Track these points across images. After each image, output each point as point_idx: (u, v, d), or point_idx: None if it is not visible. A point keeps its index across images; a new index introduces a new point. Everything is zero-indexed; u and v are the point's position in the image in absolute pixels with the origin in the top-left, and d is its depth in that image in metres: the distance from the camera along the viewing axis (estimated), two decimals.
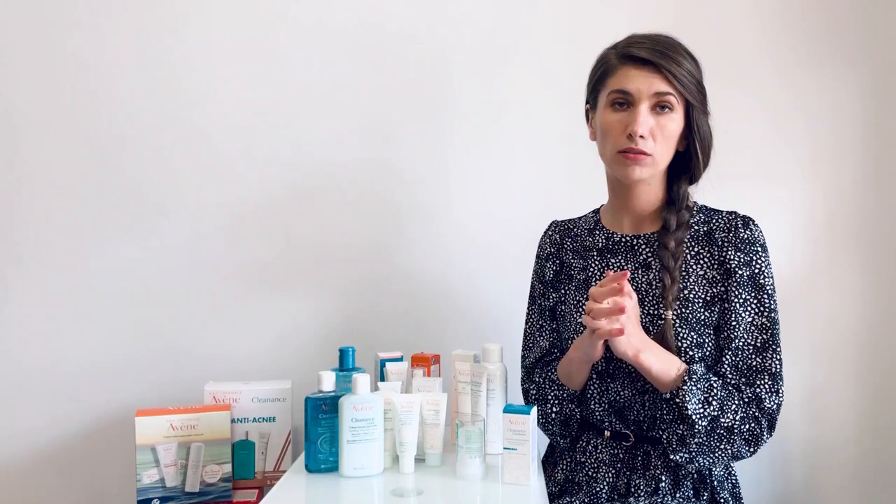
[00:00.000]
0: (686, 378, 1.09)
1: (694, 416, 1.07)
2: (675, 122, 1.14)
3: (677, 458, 1.12)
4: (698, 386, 1.09)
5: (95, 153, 1.63)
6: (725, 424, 1.09)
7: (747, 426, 1.10)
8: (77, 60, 1.63)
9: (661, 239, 1.18)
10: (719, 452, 1.10)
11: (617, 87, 1.15)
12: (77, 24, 1.63)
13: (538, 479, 1.15)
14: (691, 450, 1.10)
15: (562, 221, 1.36)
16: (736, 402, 1.10)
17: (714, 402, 1.09)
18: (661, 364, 1.10)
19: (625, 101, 1.14)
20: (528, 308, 1.37)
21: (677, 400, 1.08)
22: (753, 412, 1.11)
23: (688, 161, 1.19)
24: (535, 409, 1.14)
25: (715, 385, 1.10)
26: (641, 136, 1.12)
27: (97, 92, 1.63)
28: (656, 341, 1.13)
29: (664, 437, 1.13)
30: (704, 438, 1.09)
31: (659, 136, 1.14)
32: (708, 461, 1.12)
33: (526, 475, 1.11)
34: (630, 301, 1.08)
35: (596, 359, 1.15)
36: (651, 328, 1.15)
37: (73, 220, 1.63)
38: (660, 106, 1.13)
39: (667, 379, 1.10)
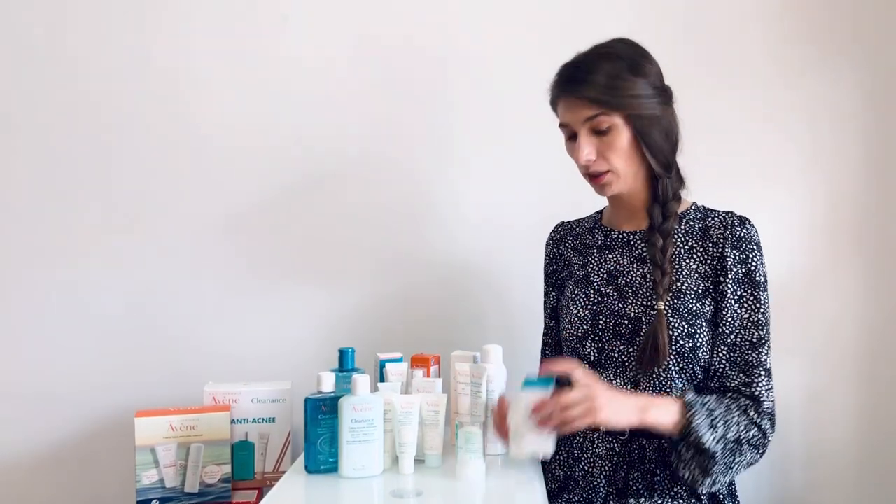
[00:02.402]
0: (689, 413, 1.09)
1: (710, 445, 1.08)
2: (618, 136, 1.16)
3: (703, 489, 1.13)
4: (702, 414, 1.09)
5: (94, 153, 1.63)
6: (733, 438, 1.10)
7: (751, 433, 1.12)
8: (75, 61, 1.63)
9: (649, 236, 1.20)
10: (736, 466, 1.12)
11: (560, 121, 1.21)
12: (75, 23, 1.63)
13: (538, 478, 1.15)
14: (714, 475, 1.11)
15: (566, 222, 1.41)
16: (735, 414, 1.12)
17: (719, 424, 1.10)
18: (664, 412, 1.10)
19: (570, 132, 1.19)
20: (543, 308, 1.42)
21: (691, 438, 1.08)
22: (752, 417, 1.13)
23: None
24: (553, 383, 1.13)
25: (711, 405, 1.11)
26: (590, 161, 1.17)
27: (96, 92, 1.63)
28: (649, 333, 1.15)
29: (686, 476, 1.13)
30: (722, 459, 1.10)
31: (609, 154, 1.16)
32: (727, 478, 1.13)
33: (548, 446, 1.10)
34: (594, 383, 1.09)
35: None
36: (644, 319, 1.18)
37: (73, 221, 1.63)
38: (595, 130, 1.16)
39: (673, 422, 1.10)
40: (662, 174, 1.19)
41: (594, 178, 1.20)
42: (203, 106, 1.65)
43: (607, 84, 1.13)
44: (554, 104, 1.22)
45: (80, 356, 1.62)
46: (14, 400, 1.61)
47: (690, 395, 1.12)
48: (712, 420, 1.09)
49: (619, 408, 1.08)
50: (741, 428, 1.11)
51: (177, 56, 1.64)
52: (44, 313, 1.62)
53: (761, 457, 1.14)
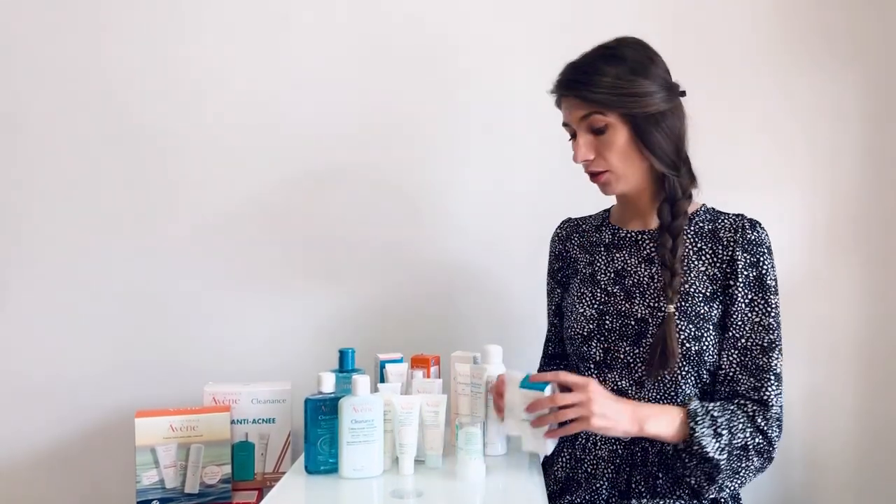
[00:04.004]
0: (692, 423, 1.09)
1: (714, 454, 1.08)
2: (615, 135, 1.16)
3: (711, 494, 1.13)
4: (705, 423, 1.09)
5: (95, 154, 1.63)
6: (740, 444, 1.10)
7: (758, 440, 1.11)
8: (79, 60, 1.63)
9: (659, 236, 1.19)
10: (743, 472, 1.11)
11: (562, 121, 1.21)
12: (79, 22, 1.63)
13: (539, 479, 1.15)
14: (720, 482, 1.11)
15: (573, 219, 1.40)
16: (741, 420, 1.12)
17: (724, 431, 1.09)
18: (665, 423, 1.10)
19: (571, 132, 1.20)
20: (547, 304, 1.42)
21: (695, 447, 1.08)
22: (759, 424, 1.12)
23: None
24: (549, 387, 1.12)
25: (716, 413, 1.11)
26: (587, 160, 1.18)
27: (98, 92, 1.63)
28: (659, 337, 1.14)
29: (693, 482, 1.13)
30: (727, 466, 1.10)
31: (607, 153, 1.17)
32: (736, 484, 1.13)
33: (542, 446, 1.10)
34: (592, 388, 1.08)
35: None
36: (651, 321, 1.17)
37: (73, 221, 1.63)
38: (592, 128, 1.16)
39: (675, 432, 1.11)
40: (668, 172, 1.18)
41: (594, 177, 1.21)
42: (202, 106, 1.65)
43: (602, 83, 1.13)
44: (557, 104, 1.23)
45: (81, 356, 1.62)
46: (14, 400, 1.61)
47: (694, 404, 1.12)
48: (716, 428, 1.09)
49: (617, 416, 1.08)
50: (747, 435, 1.10)
51: (176, 57, 1.64)
52: (43, 313, 1.62)
53: (769, 463, 1.13)
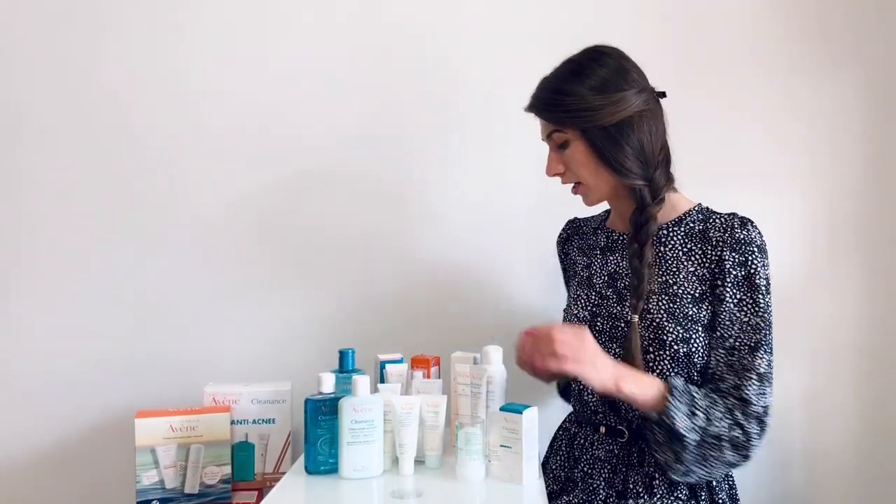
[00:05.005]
0: (668, 396, 1.09)
1: (683, 431, 1.07)
2: (576, 150, 1.19)
3: (676, 476, 1.13)
4: (682, 400, 1.09)
5: (95, 155, 1.63)
6: (714, 433, 1.09)
7: (735, 433, 1.10)
8: (79, 60, 1.63)
9: (629, 243, 1.19)
10: (712, 461, 1.10)
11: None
12: (79, 22, 1.63)
13: (538, 480, 1.15)
14: (687, 463, 1.10)
15: (577, 220, 1.42)
16: (720, 409, 1.11)
17: (700, 413, 1.09)
18: (642, 387, 1.11)
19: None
20: None
21: (665, 418, 1.08)
22: (738, 417, 1.11)
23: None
24: (529, 410, 1.13)
25: (697, 396, 1.11)
26: (557, 174, 1.22)
27: (99, 93, 1.63)
28: (624, 347, 1.15)
29: (661, 459, 1.13)
30: (696, 450, 1.09)
31: (573, 167, 1.20)
32: (703, 472, 1.12)
33: (519, 474, 1.11)
34: (588, 336, 1.10)
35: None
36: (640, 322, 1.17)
37: (73, 222, 1.63)
38: (557, 144, 1.20)
39: (651, 401, 1.11)
40: (629, 183, 1.18)
41: (572, 189, 1.24)
42: (202, 108, 1.65)
43: (557, 102, 1.16)
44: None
45: (81, 357, 1.62)
46: (14, 400, 1.61)
47: (677, 381, 1.12)
48: (693, 408, 1.09)
49: (602, 367, 1.10)
50: (724, 425, 1.10)
51: (176, 57, 1.64)
52: (43, 313, 1.62)
53: (746, 460, 1.12)
